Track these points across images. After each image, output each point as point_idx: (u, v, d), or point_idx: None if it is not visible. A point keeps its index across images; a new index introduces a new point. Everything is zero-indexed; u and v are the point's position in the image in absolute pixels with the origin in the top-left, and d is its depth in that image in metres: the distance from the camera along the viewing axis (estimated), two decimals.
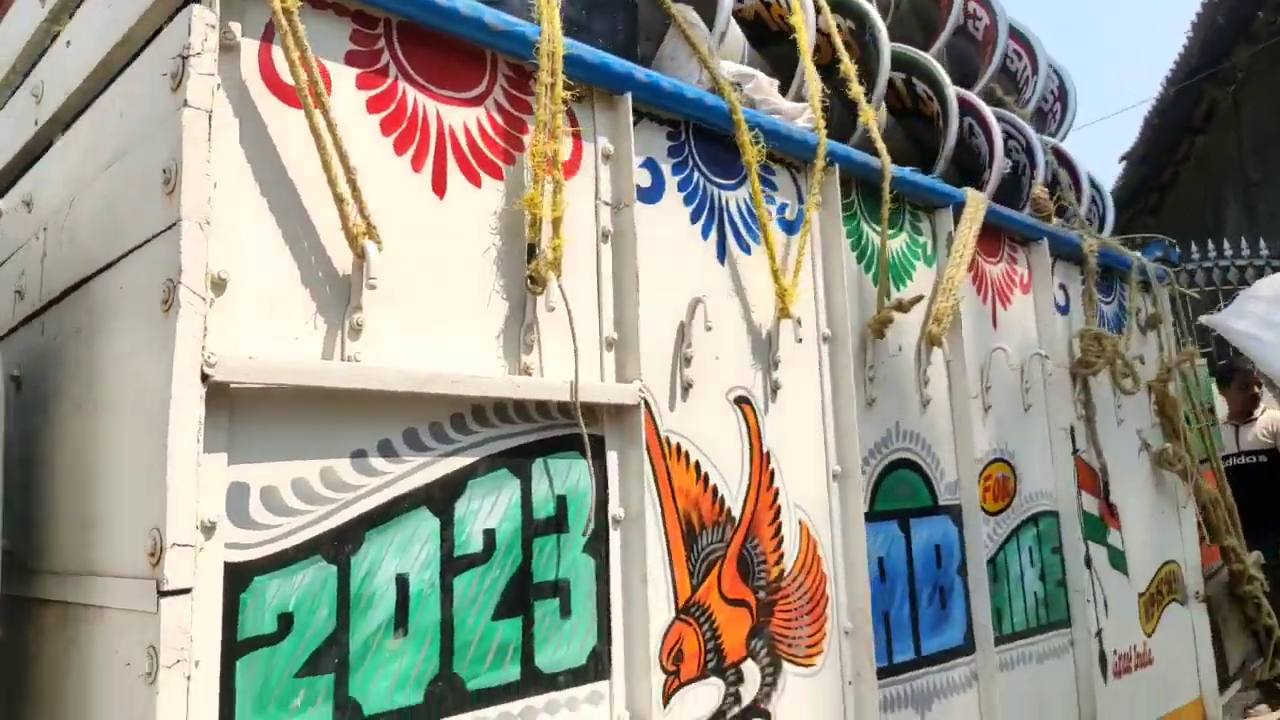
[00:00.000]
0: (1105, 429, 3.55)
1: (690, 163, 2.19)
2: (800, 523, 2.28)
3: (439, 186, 1.69)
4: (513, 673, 1.66)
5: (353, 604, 1.47)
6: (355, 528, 1.49)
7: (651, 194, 2.08)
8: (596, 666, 1.79)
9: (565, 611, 1.76)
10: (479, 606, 1.63)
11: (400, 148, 1.65)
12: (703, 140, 2.22)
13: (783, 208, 2.41)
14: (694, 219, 2.17)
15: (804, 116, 2.49)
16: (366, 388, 1.51)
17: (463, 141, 1.74)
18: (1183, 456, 3.88)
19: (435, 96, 1.71)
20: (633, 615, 1.85)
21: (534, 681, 1.68)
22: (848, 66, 2.72)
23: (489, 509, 1.67)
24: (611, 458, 1.88)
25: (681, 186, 2.16)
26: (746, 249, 2.28)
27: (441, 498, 1.60)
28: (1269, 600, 4.34)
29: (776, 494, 2.23)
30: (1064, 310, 3.51)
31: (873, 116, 2.70)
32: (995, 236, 3.22)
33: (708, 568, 2.04)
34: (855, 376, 2.50)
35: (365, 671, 1.47)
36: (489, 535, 1.66)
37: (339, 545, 1.47)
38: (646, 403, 1.96)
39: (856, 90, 2.69)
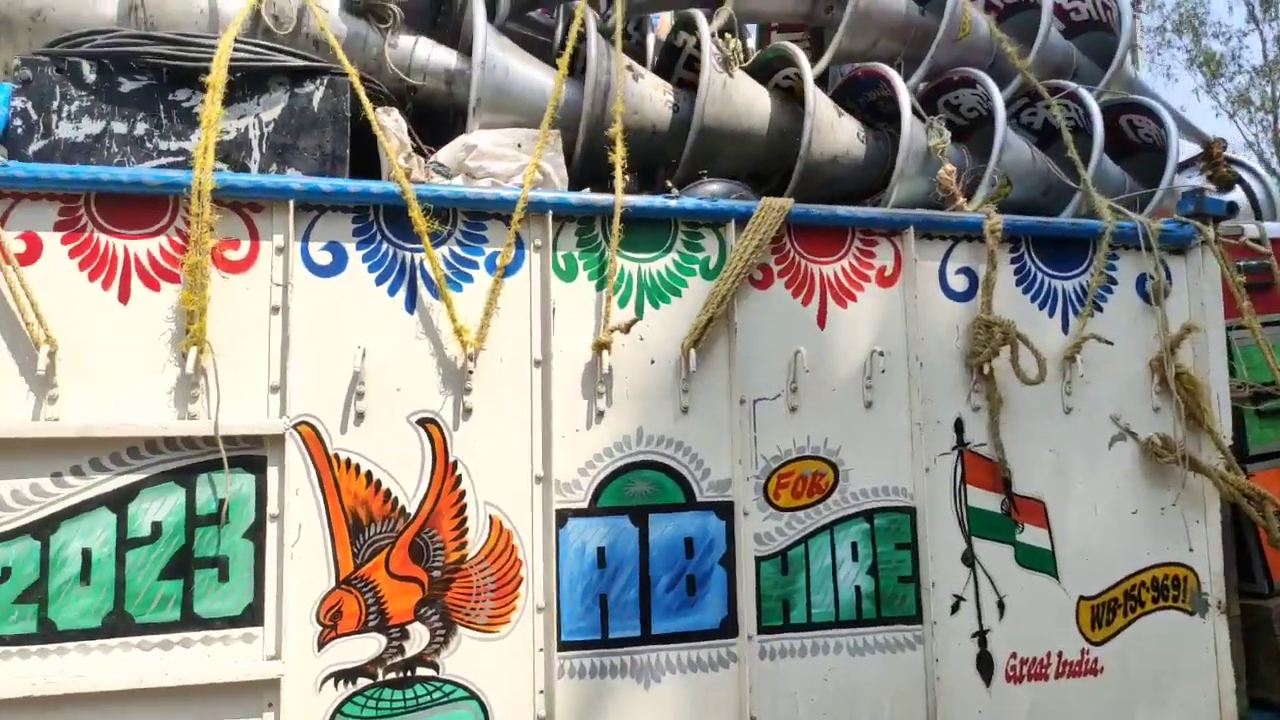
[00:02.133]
0: (1028, 419, 3.30)
1: (379, 237, 2.82)
2: (492, 518, 2.80)
3: (124, 296, 2.60)
4: (174, 615, 2.54)
5: (51, 564, 2.47)
6: (52, 519, 2.49)
7: (332, 269, 2.77)
8: (251, 616, 2.59)
9: (224, 577, 2.59)
10: (146, 571, 2.54)
11: (92, 276, 2.58)
12: (393, 217, 2.82)
13: (494, 256, 2.89)
14: (380, 281, 2.80)
15: (518, 176, 2.93)
16: (53, 436, 2.48)
17: (145, 262, 2.62)
18: (1177, 447, 3.37)
19: (122, 236, 2.61)
20: (286, 582, 2.61)
21: (192, 622, 2.55)
22: None
23: (158, 508, 2.56)
24: (272, 472, 2.64)
25: (366, 258, 2.80)
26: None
27: (117, 500, 2.53)
28: None
29: (462, 495, 2.79)
30: (964, 297, 3.32)
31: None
32: (835, 234, 3.22)
33: (374, 551, 2.70)
34: (584, 392, 2.91)
35: (59, 605, 2.47)
36: (156, 525, 2.55)
37: (41, 529, 2.48)
38: (315, 429, 2.68)
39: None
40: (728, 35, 3.53)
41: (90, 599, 2.50)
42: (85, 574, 2.50)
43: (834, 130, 3.57)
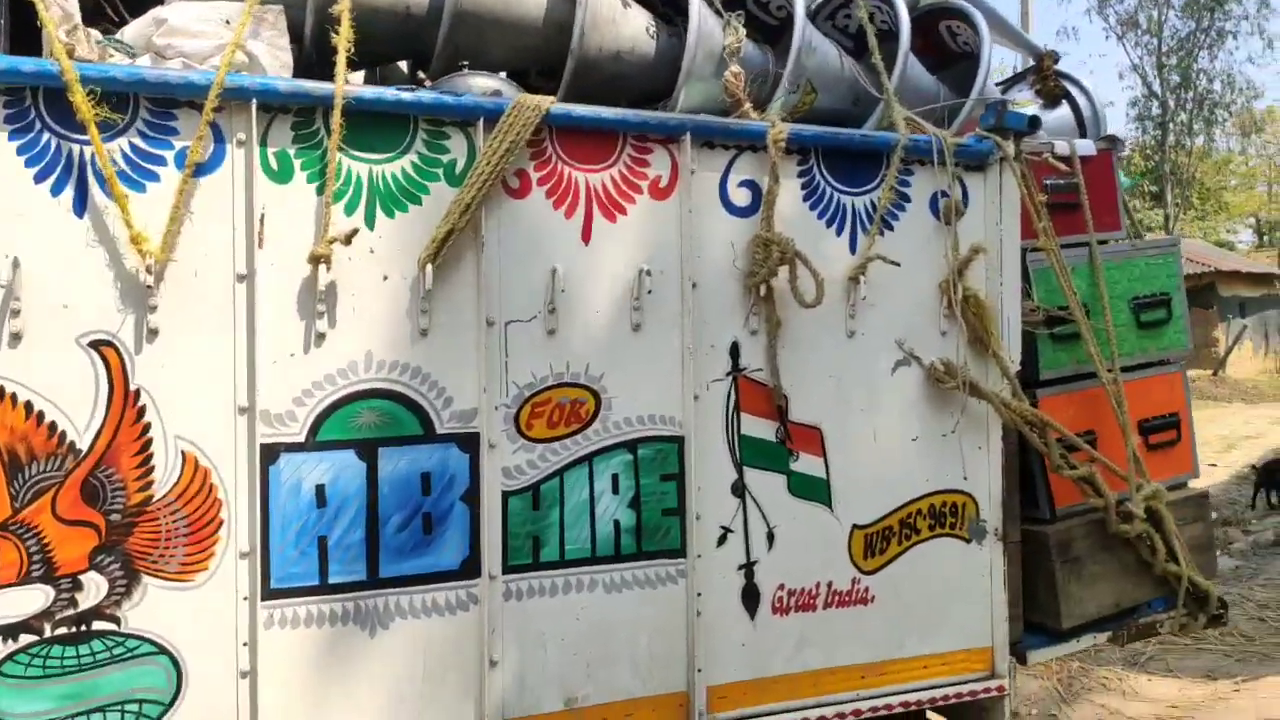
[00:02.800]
0: (808, 344, 3.12)
1: (38, 125, 2.37)
2: (185, 454, 2.47)
3: None
4: None
5: None
6: None
7: None
8: None
9: None
10: None
11: None
12: (56, 102, 2.36)
13: (185, 151, 2.48)
14: (40, 178, 2.36)
15: (217, 57, 2.51)
16: None
17: None
18: (958, 373, 3.26)
19: None
20: None
21: None
22: None
23: None
24: None
25: (22, 150, 2.35)
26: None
27: None
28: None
29: (146, 428, 2.43)
30: (746, 212, 3.08)
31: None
32: (604, 139, 2.91)
33: (36, 493, 2.34)
34: (301, 311, 2.57)
35: None
36: None
37: None
38: None
39: None
40: None
41: None
42: None
43: (616, 23, 3.22)
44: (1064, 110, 4.59)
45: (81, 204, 2.40)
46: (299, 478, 2.57)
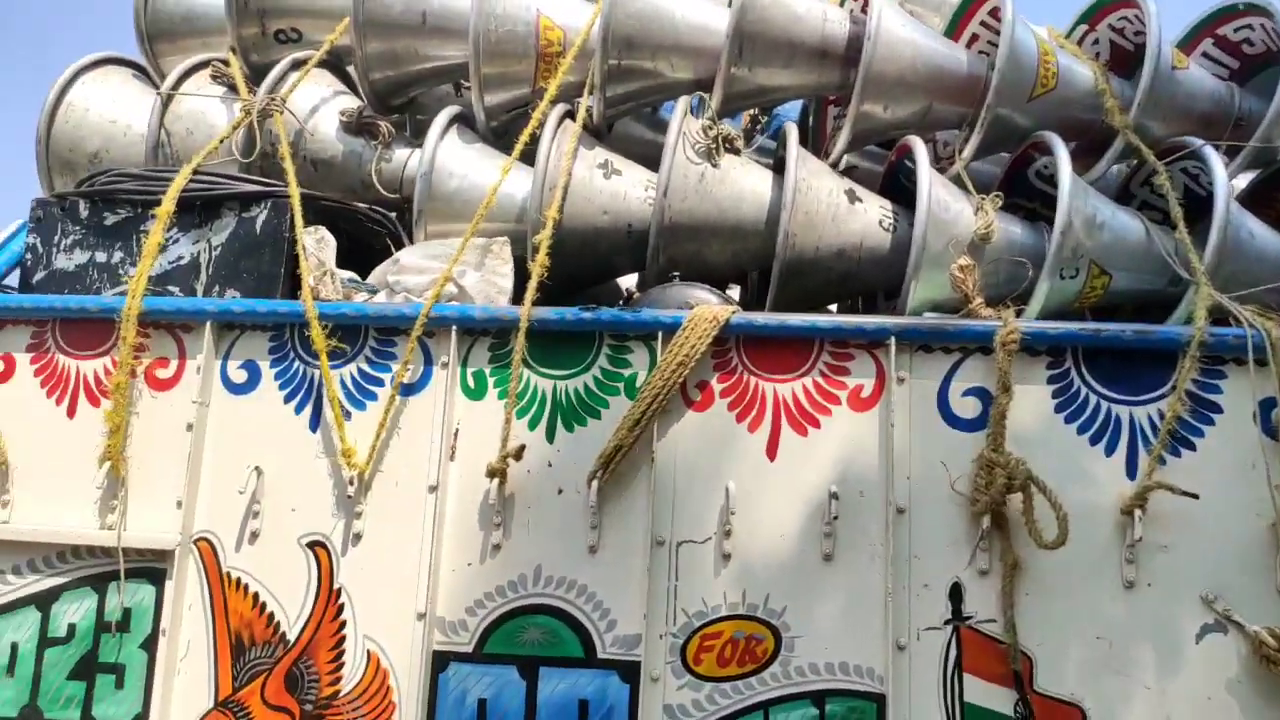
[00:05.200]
0: (1064, 593, 2.52)
1: (291, 355, 2.84)
2: (370, 653, 2.66)
3: (71, 412, 2.86)
4: (74, 715, 2.70)
5: None
6: None
7: (246, 387, 2.83)
8: None
9: (120, 685, 2.70)
10: (59, 669, 2.72)
11: (50, 394, 2.88)
12: (304, 335, 2.82)
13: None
14: (288, 399, 2.81)
15: (430, 290, 2.81)
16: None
17: (90, 380, 2.87)
18: None
19: (77, 357, 2.88)
20: (169, 698, 2.67)
21: None
22: None
23: (74, 610, 2.75)
24: (169, 586, 2.73)
25: (278, 376, 2.83)
26: (348, 415, 2.78)
27: (44, 600, 2.76)
28: None
29: (343, 625, 2.68)
30: (973, 425, 2.62)
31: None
32: (796, 346, 2.71)
33: (252, 676, 2.68)
34: (480, 522, 2.70)
35: None
36: (71, 626, 2.74)
37: None
38: (211, 544, 2.74)
39: None
40: (714, 118, 3.14)
41: (12, 690, 2.73)
42: (10, 667, 2.73)
43: (838, 220, 3.02)
44: None
45: (315, 421, 2.80)
46: (464, 689, 2.62)
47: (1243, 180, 3.42)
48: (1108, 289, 3.04)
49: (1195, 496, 2.47)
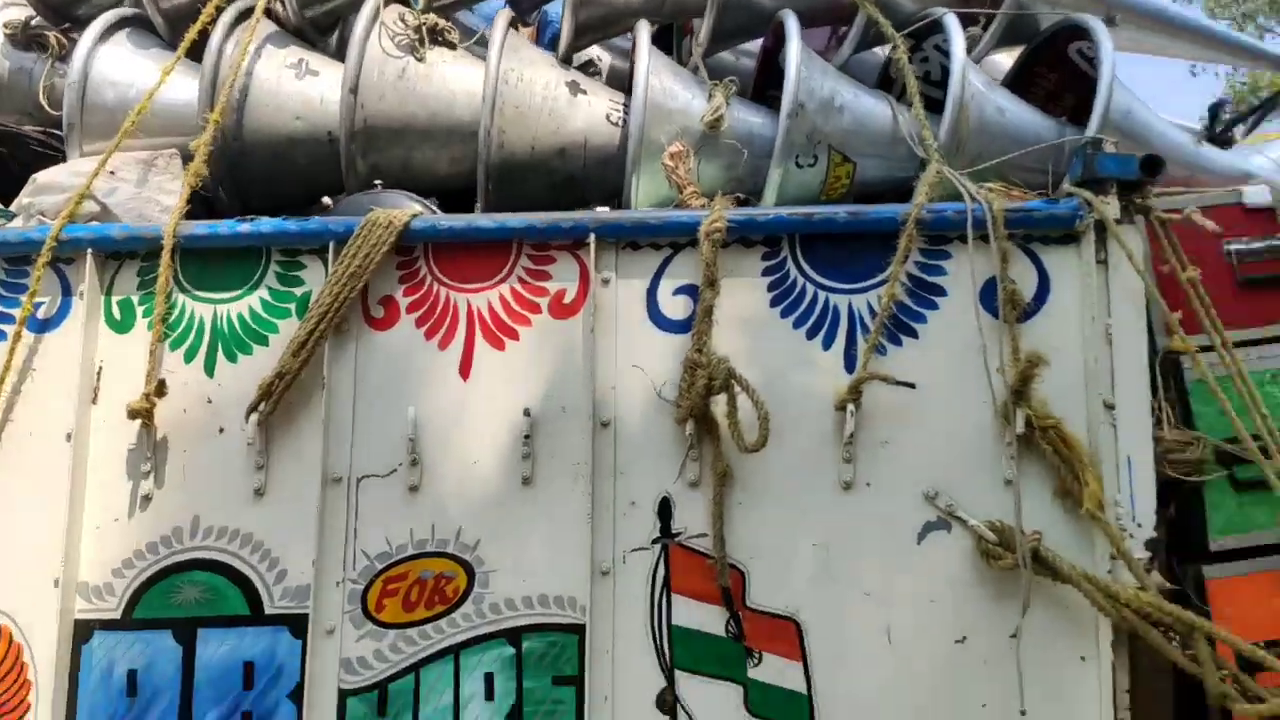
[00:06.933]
0: (777, 499, 2.28)
1: None
2: (3, 628, 2.28)
3: None
4: None
5: None
6: None
7: None
8: None
9: None
10: None
11: None
12: None
13: (38, 306, 2.39)
14: None
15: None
16: None
17: None
18: (1019, 541, 2.16)
19: None
20: None
21: None
22: None
23: None
24: None
25: None
26: None
27: None
28: None
29: None
30: (682, 327, 2.35)
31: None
32: (491, 251, 2.40)
33: None
34: (129, 471, 2.33)
35: None
36: None
37: None
38: None
39: None
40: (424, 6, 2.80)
41: None
42: None
43: (555, 114, 2.72)
44: None
45: None
46: (111, 660, 2.27)
47: (1010, 59, 3.24)
48: (853, 177, 2.80)
49: (912, 386, 2.26)
